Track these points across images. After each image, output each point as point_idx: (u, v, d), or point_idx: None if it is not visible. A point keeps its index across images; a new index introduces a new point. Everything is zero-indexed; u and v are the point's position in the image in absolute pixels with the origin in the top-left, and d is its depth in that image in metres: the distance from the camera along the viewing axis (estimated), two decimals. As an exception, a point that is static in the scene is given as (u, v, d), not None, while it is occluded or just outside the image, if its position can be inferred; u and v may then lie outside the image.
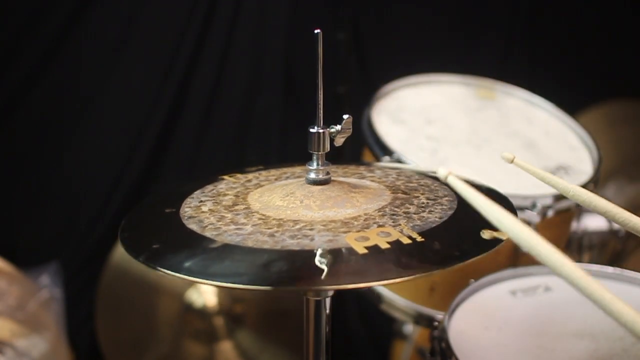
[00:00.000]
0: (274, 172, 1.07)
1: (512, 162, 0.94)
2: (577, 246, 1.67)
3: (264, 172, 1.08)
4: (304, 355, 0.96)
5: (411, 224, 0.86)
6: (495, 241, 0.82)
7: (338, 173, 1.05)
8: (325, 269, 0.77)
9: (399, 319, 1.68)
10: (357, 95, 2.05)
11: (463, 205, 0.90)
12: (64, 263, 1.97)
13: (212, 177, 1.06)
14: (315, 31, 0.91)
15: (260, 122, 2.16)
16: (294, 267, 0.78)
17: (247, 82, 2.14)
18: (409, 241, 0.82)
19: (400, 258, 0.79)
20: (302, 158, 1.00)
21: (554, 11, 2.39)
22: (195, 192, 1.00)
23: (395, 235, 0.83)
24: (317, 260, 0.78)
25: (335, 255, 0.79)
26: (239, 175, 1.06)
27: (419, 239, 0.82)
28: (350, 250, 0.79)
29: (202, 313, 1.82)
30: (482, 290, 1.24)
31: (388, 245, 0.80)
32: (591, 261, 1.67)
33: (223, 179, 1.05)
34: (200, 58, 2.08)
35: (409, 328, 1.69)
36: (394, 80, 1.72)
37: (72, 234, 2.13)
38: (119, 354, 1.87)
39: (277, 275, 0.77)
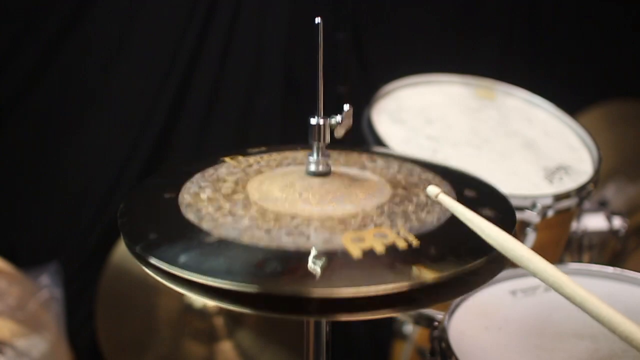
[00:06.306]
0: (275, 157, 1.06)
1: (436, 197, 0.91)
2: (577, 246, 1.67)
3: (265, 156, 1.07)
4: (304, 355, 0.96)
5: (408, 226, 0.85)
6: (489, 250, 0.82)
7: (340, 161, 1.04)
8: (319, 272, 0.76)
9: (399, 319, 1.68)
10: (357, 95, 2.05)
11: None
12: (64, 263, 1.97)
13: (213, 158, 1.05)
14: (316, 20, 0.90)
15: (261, 121, 2.16)
16: (287, 269, 0.78)
17: (248, 81, 2.14)
18: (405, 245, 0.81)
19: (395, 263, 0.78)
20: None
21: (553, 11, 2.40)
22: (196, 176, 0.99)
23: (391, 237, 0.82)
24: (310, 263, 0.78)
25: (330, 258, 0.78)
26: (240, 158, 1.06)
27: (415, 243, 0.82)
28: (345, 253, 0.79)
29: (202, 313, 1.82)
30: (482, 290, 1.24)
31: (384, 249, 0.80)
32: (591, 261, 1.67)
33: (224, 162, 1.04)
34: (200, 58, 2.08)
35: (409, 328, 1.69)
36: (394, 80, 1.72)
37: (72, 233, 2.13)
38: (119, 354, 1.87)
39: (270, 277, 0.77)
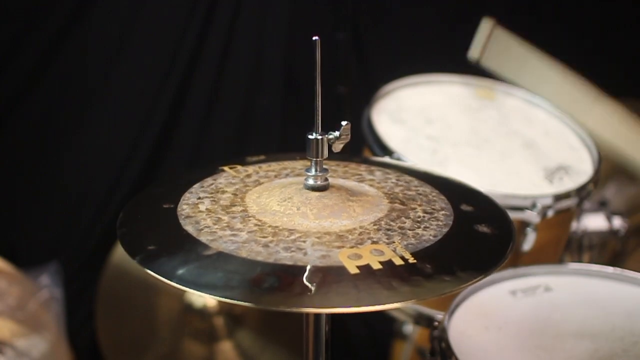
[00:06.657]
0: (274, 167, 1.07)
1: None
2: (577, 246, 1.67)
3: (264, 166, 1.07)
4: (304, 355, 0.96)
5: (405, 242, 0.86)
6: (487, 267, 0.83)
7: (338, 173, 1.05)
8: (313, 289, 0.77)
9: (399, 319, 1.68)
10: (357, 95, 2.05)
11: (458, 222, 0.91)
12: (64, 263, 1.97)
13: (212, 167, 1.06)
14: (314, 38, 0.90)
15: (261, 121, 2.16)
16: (284, 284, 0.79)
17: (248, 81, 2.14)
18: (401, 262, 0.82)
19: (391, 282, 0.79)
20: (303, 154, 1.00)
21: (553, 11, 2.39)
22: (195, 186, 0.99)
23: (388, 254, 0.83)
24: (306, 280, 0.78)
25: (326, 274, 0.79)
26: (239, 167, 1.06)
27: (411, 260, 0.82)
28: (342, 270, 0.80)
29: (202, 313, 1.82)
30: (482, 290, 1.24)
31: (380, 266, 0.81)
32: (591, 261, 1.67)
33: (223, 171, 1.05)
34: (200, 58, 2.08)
35: (409, 328, 1.69)
36: (394, 80, 1.72)
37: (72, 234, 2.13)
38: (119, 354, 1.87)
39: (267, 293, 0.78)
